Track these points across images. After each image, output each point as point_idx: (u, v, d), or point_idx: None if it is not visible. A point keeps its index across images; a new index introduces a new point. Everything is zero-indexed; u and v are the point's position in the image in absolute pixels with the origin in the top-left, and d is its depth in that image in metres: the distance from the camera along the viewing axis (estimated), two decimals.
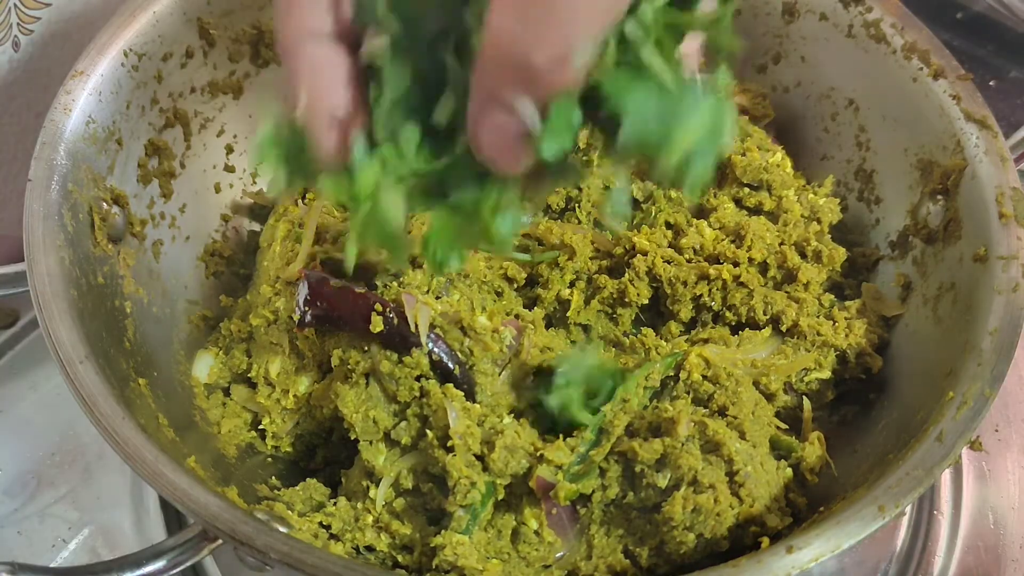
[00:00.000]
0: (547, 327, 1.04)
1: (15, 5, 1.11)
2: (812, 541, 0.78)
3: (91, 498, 1.12)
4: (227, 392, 1.05)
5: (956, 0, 1.59)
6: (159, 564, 0.78)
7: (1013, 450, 1.19)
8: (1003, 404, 1.22)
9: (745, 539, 0.88)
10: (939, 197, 1.06)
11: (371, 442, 0.94)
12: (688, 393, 0.95)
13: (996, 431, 1.20)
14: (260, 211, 1.18)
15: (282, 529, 0.81)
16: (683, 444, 0.89)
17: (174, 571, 0.78)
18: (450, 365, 0.94)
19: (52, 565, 1.05)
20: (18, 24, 1.13)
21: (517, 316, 1.00)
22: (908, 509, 1.13)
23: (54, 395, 1.18)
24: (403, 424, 0.95)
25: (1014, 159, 1.03)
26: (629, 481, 0.91)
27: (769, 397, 0.99)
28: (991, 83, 1.54)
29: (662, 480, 0.88)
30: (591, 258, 1.07)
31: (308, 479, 0.95)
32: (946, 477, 1.16)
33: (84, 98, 1.00)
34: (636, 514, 0.92)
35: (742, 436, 0.92)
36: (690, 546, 0.88)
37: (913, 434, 0.88)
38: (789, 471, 0.94)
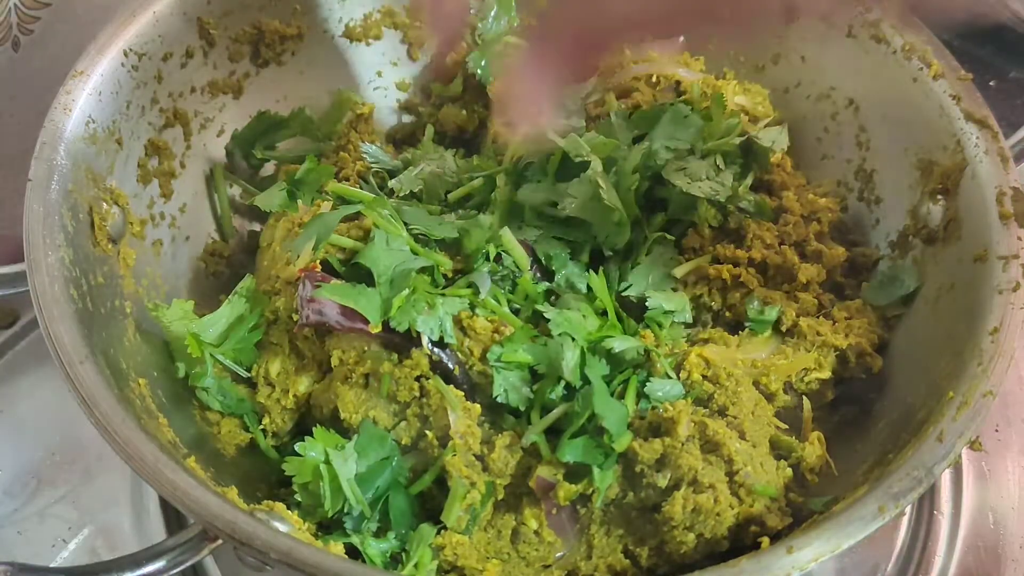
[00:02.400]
0: None
1: (15, 5, 1.11)
2: (812, 541, 0.78)
3: (91, 498, 1.12)
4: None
5: None
6: (159, 564, 0.78)
7: (1013, 450, 1.19)
8: (1003, 404, 1.22)
9: (745, 539, 0.88)
10: (939, 197, 1.06)
11: None
12: (688, 393, 0.95)
13: (996, 431, 1.20)
14: (260, 211, 1.18)
15: (282, 528, 0.81)
16: (683, 444, 0.89)
17: (174, 571, 0.78)
18: (450, 365, 0.94)
19: (52, 565, 1.05)
20: (18, 24, 1.13)
21: None
22: (908, 509, 1.13)
23: (54, 395, 1.18)
24: (403, 424, 0.95)
25: (1014, 159, 1.03)
26: (629, 481, 0.91)
27: (769, 397, 0.99)
28: (991, 83, 1.53)
29: (662, 480, 0.88)
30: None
31: None
32: (946, 477, 1.16)
33: (84, 98, 1.00)
34: (636, 514, 0.92)
35: (742, 436, 0.92)
36: (690, 546, 0.88)
37: (913, 434, 0.88)
38: (789, 471, 0.94)
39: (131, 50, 1.06)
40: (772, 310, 1.02)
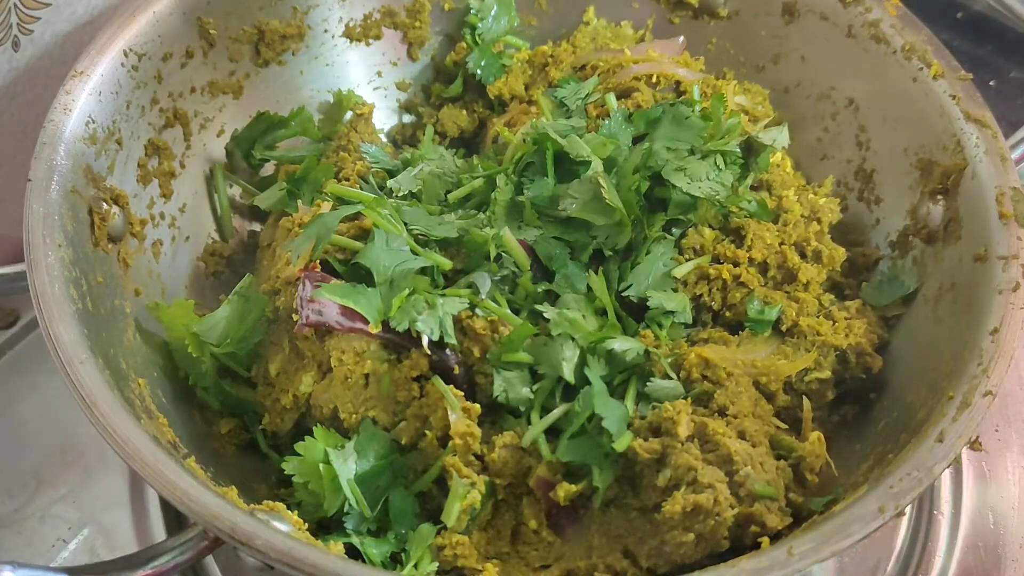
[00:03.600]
0: None
1: (15, 5, 1.11)
2: (812, 541, 0.78)
3: (91, 498, 1.12)
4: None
5: (956, 0, 1.60)
6: (159, 564, 0.78)
7: (1013, 450, 1.19)
8: (1003, 404, 1.22)
9: (745, 539, 0.88)
10: (939, 197, 1.06)
11: None
12: (688, 393, 0.95)
13: (996, 431, 1.20)
14: (260, 211, 1.18)
15: (282, 528, 0.81)
16: (683, 444, 0.89)
17: (174, 571, 0.78)
18: (450, 365, 0.94)
19: (52, 565, 1.05)
20: (18, 24, 1.13)
21: None
22: (908, 509, 1.13)
23: (54, 395, 1.18)
24: (403, 424, 0.95)
25: (1014, 159, 1.03)
26: (629, 481, 0.91)
27: (769, 397, 0.99)
28: (991, 83, 1.54)
29: (662, 480, 0.88)
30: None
31: None
32: (946, 477, 1.16)
33: (84, 98, 1.00)
34: (636, 514, 0.91)
35: (742, 436, 0.92)
36: (690, 546, 0.88)
37: (913, 434, 0.88)
38: (789, 471, 0.94)
39: (131, 50, 1.06)
40: (772, 310, 1.02)
